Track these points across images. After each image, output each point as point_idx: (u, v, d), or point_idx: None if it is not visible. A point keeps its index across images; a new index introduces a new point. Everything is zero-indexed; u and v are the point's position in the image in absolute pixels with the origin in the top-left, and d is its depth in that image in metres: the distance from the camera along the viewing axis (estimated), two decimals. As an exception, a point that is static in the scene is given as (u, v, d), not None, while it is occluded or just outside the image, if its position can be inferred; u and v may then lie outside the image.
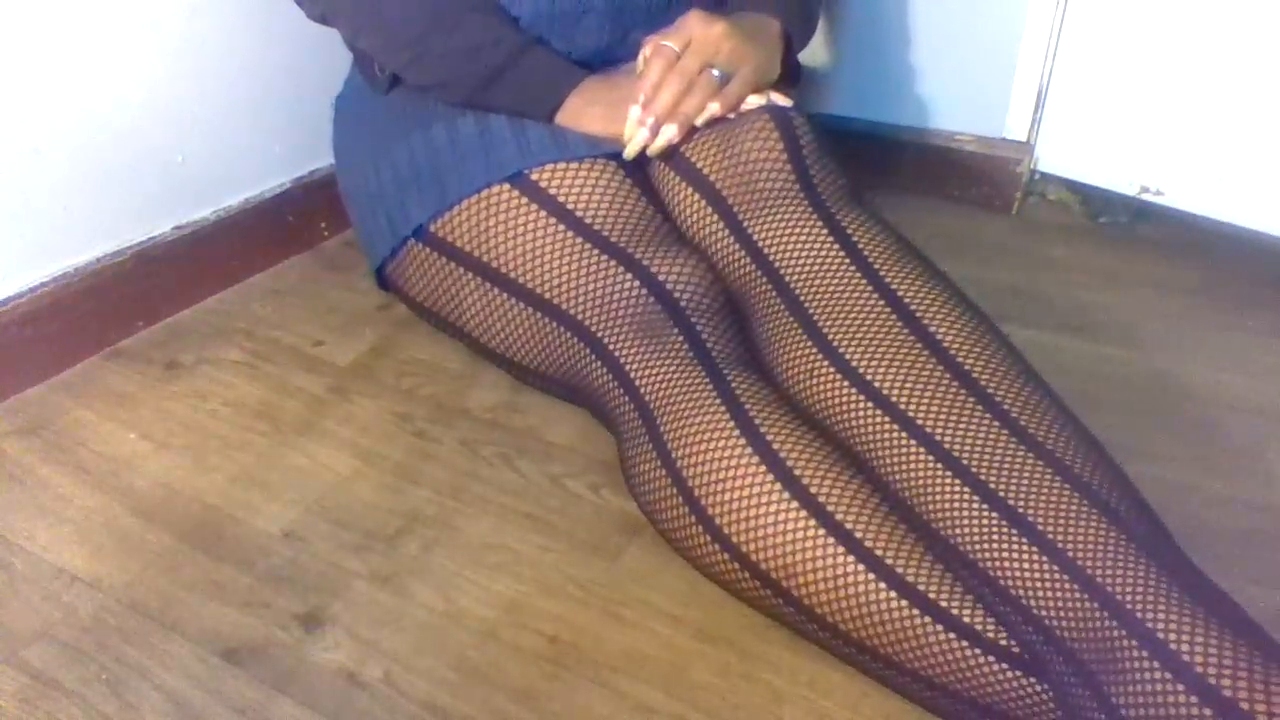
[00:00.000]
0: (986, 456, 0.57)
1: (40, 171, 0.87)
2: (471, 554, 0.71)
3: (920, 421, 0.60)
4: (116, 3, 0.88)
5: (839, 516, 0.58)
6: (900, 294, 0.67)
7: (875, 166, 1.21)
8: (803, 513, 0.59)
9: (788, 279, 0.71)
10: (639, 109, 0.77)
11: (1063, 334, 0.93)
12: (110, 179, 0.92)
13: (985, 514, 0.55)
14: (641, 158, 0.81)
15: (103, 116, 0.90)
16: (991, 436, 0.58)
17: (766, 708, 0.59)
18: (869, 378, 0.63)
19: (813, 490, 0.59)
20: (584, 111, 0.80)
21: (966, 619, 0.55)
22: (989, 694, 0.54)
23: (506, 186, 0.78)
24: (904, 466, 0.59)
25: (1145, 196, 1.09)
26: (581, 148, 0.79)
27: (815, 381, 0.65)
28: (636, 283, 0.74)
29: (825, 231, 0.72)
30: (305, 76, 1.07)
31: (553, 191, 0.77)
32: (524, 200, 0.77)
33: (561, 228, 0.76)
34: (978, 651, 0.54)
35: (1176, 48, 1.00)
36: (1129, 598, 0.50)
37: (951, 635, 0.54)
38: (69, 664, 0.63)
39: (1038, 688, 0.53)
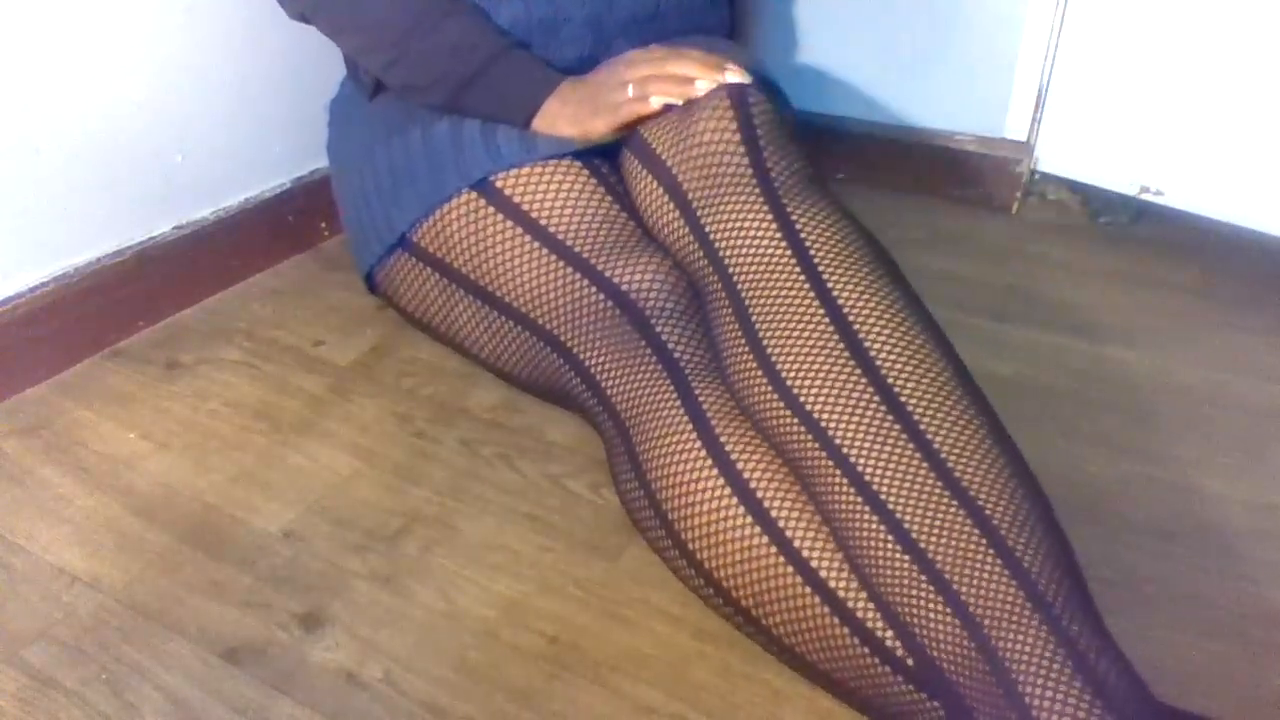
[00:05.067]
0: (905, 495, 0.56)
1: (40, 171, 0.87)
2: (471, 554, 0.71)
3: (846, 451, 0.58)
4: (116, 3, 0.88)
5: (797, 544, 0.58)
6: (842, 303, 0.64)
7: (875, 167, 1.21)
8: (768, 544, 0.59)
9: (735, 279, 0.68)
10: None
11: (1063, 334, 0.93)
12: (110, 179, 0.92)
13: (899, 556, 0.54)
14: (611, 150, 0.80)
15: (103, 116, 0.90)
16: (913, 471, 0.56)
17: (766, 708, 0.59)
18: (802, 399, 0.61)
19: (775, 515, 0.59)
20: (559, 114, 0.79)
21: (899, 653, 0.54)
22: None
23: (474, 195, 0.78)
24: (829, 495, 0.58)
25: (1145, 196, 1.09)
26: (550, 148, 0.78)
27: (755, 396, 0.63)
28: (600, 294, 0.73)
29: (774, 227, 0.68)
30: (305, 76, 1.07)
31: (517, 200, 0.77)
32: (490, 209, 0.77)
33: (527, 238, 0.76)
34: (912, 687, 0.54)
35: (1176, 48, 1.00)
36: (1015, 664, 0.49)
37: (899, 678, 0.54)
38: (69, 664, 0.63)
39: None
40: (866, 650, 0.55)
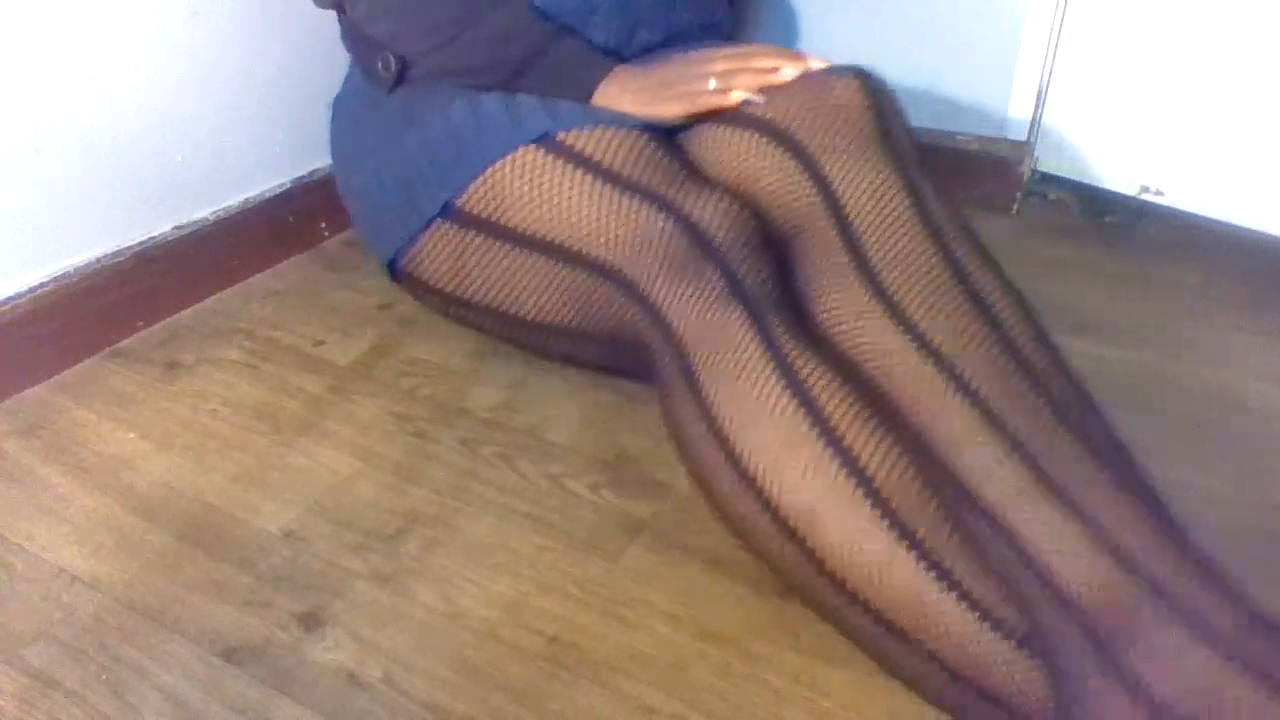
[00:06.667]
0: (1025, 420, 0.59)
1: (40, 171, 0.87)
2: (471, 554, 0.71)
3: (964, 375, 0.61)
4: (117, 4, 0.88)
5: (870, 471, 0.58)
6: (960, 259, 0.68)
7: (875, 166, 1.20)
8: (835, 462, 0.58)
9: (853, 219, 0.71)
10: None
11: (1063, 334, 0.93)
12: (110, 179, 0.92)
13: (1018, 473, 0.57)
14: (676, 129, 0.82)
15: (103, 117, 0.90)
16: (1031, 405, 0.60)
17: (766, 708, 0.59)
18: (919, 325, 0.64)
19: (846, 441, 0.59)
20: (620, 98, 0.81)
21: (977, 594, 0.54)
22: (987, 672, 0.54)
23: (533, 148, 0.78)
24: (942, 416, 0.60)
25: (1145, 196, 1.09)
26: (612, 118, 0.79)
27: (863, 323, 0.66)
28: (669, 221, 0.73)
29: (901, 183, 0.73)
30: (305, 76, 1.07)
31: (580, 148, 0.77)
32: (551, 158, 0.77)
33: (589, 179, 0.76)
34: (985, 626, 0.53)
35: (1176, 48, 1.00)
36: (1159, 570, 0.52)
37: (963, 605, 0.54)
38: (69, 664, 0.63)
39: (1034, 671, 0.53)
40: (943, 586, 0.55)
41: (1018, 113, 1.13)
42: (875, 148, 0.75)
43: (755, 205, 0.78)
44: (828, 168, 0.74)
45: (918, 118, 1.18)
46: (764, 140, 0.77)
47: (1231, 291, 0.99)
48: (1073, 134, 1.11)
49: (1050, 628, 0.53)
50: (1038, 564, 0.54)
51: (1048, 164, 1.15)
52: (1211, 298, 0.98)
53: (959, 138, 1.17)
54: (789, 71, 0.79)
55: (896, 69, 1.17)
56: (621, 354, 0.79)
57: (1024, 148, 1.14)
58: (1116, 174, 1.10)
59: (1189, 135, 1.03)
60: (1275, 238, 1.01)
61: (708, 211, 0.73)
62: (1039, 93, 1.11)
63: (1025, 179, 1.15)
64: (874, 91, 0.79)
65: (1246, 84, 0.97)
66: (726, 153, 0.79)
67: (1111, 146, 1.09)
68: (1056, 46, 1.08)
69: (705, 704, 0.59)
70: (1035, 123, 1.13)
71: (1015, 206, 1.16)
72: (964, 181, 1.17)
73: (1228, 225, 1.03)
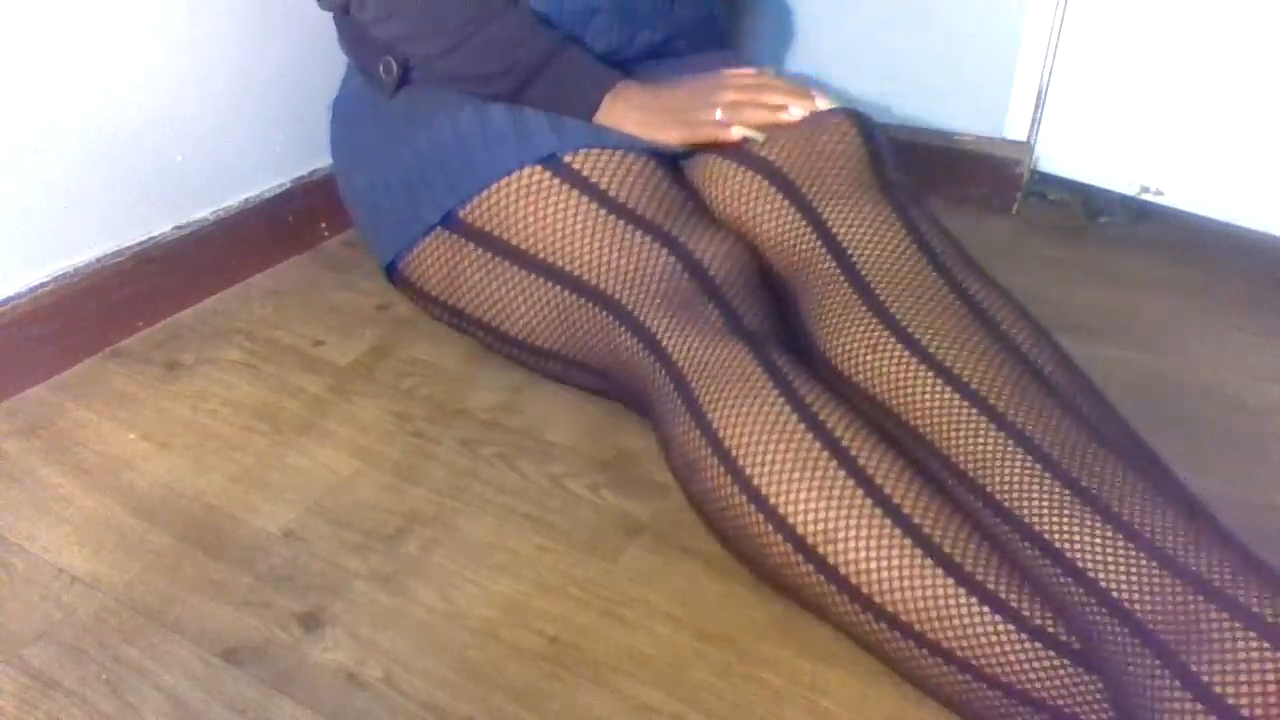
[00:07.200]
0: (1056, 439, 0.59)
1: (40, 171, 0.87)
2: (471, 554, 0.71)
3: (988, 398, 0.61)
4: (117, 3, 0.88)
5: (886, 489, 0.58)
6: (969, 289, 0.69)
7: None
8: (851, 480, 0.59)
9: (856, 260, 0.72)
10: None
11: (1063, 334, 0.93)
12: (110, 179, 0.92)
13: (1056, 489, 0.56)
14: (679, 155, 0.83)
15: (102, 116, 0.90)
16: (1058, 421, 0.60)
17: (766, 708, 0.59)
18: (936, 354, 0.64)
19: (860, 461, 0.59)
20: (624, 115, 0.81)
21: (1014, 603, 0.54)
22: (1033, 681, 0.53)
23: (539, 168, 0.78)
24: (971, 440, 0.60)
25: (1145, 196, 1.09)
26: (619, 141, 0.80)
27: (878, 356, 0.66)
28: (671, 258, 0.74)
29: (899, 223, 0.74)
30: (305, 76, 1.07)
31: (586, 173, 0.78)
32: (557, 181, 0.78)
33: (594, 206, 0.77)
34: (1024, 636, 0.53)
35: (1176, 48, 1.00)
36: (1214, 575, 0.51)
37: (998, 618, 0.54)
38: (69, 664, 0.63)
39: (1086, 678, 0.52)
40: (975, 600, 0.54)
41: (1018, 113, 1.13)
42: (870, 188, 0.76)
43: (755, 245, 0.79)
44: (825, 212, 0.76)
45: (918, 117, 1.19)
46: (764, 182, 0.79)
47: (1231, 291, 0.99)
48: (1073, 134, 1.11)
49: (1105, 640, 0.52)
50: (1087, 578, 0.53)
51: (1048, 164, 1.15)
52: (1211, 298, 0.98)
53: (959, 137, 1.17)
54: (796, 111, 0.81)
55: (896, 68, 1.18)
56: (609, 384, 0.80)
57: (1024, 148, 1.14)
58: (1116, 174, 1.10)
59: (1189, 135, 1.03)
60: (1275, 238, 1.01)
61: (709, 250, 0.74)
62: (1039, 93, 1.11)
63: (1025, 179, 1.15)
64: (865, 133, 0.81)
65: (1246, 84, 0.97)
66: (727, 191, 0.81)
67: (1111, 146, 1.09)
68: (1056, 46, 1.08)
69: (705, 704, 0.59)
70: (1035, 123, 1.13)
71: (1015, 206, 1.16)
72: (964, 181, 1.17)
73: (1228, 225, 1.03)
